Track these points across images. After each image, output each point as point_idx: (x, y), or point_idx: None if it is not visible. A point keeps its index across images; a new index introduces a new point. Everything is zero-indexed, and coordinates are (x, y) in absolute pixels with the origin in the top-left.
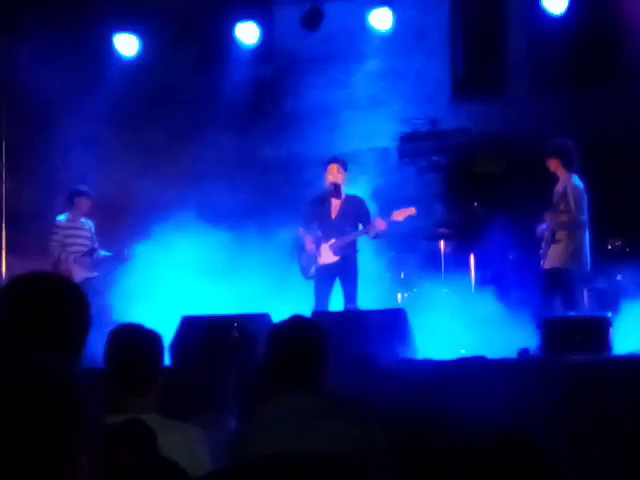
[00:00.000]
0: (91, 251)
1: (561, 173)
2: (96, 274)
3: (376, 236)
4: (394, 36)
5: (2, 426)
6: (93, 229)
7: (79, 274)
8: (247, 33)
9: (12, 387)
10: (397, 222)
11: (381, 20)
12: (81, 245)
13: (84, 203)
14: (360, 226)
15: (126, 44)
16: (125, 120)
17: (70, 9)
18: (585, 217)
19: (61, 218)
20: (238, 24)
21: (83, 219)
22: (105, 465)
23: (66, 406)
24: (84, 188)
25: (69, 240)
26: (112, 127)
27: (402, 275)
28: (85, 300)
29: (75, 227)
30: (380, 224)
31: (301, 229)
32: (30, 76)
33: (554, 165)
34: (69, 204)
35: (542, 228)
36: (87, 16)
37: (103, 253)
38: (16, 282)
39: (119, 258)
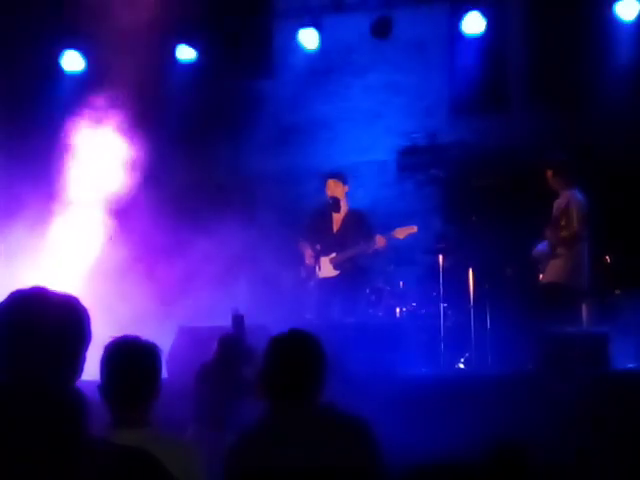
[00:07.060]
0: None
1: (562, 188)
2: None
3: (375, 252)
4: (393, 49)
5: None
6: None
7: None
8: None
9: (8, 399)
10: (397, 239)
11: (381, 33)
12: None
13: None
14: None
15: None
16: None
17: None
18: (586, 232)
19: None
20: None
21: None
22: None
23: (61, 419)
24: None
25: None
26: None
27: (401, 289)
28: (85, 314)
29: None
30: (380, 241)
31: (302, 242)
32: None
33: (554, 180)
34: None
35: (538, 248)
36: None
37: None
38: (15, 297)
39: None
